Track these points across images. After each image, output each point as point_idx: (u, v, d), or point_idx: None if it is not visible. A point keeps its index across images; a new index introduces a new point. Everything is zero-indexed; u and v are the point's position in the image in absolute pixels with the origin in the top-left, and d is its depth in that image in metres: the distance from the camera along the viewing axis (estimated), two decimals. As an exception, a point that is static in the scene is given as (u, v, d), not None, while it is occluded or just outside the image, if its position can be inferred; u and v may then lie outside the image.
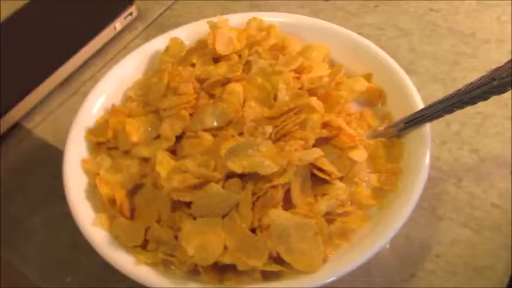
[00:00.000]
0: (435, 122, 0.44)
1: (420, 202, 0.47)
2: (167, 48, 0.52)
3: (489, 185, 0.48)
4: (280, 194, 0.38)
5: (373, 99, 0.48)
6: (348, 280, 0.42)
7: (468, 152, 0.50)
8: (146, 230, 0.41)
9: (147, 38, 0.57)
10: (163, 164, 0.41)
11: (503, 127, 0.52)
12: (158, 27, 0.66)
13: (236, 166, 0.39)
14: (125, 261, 0.39)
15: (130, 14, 0.65)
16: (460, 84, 0.42)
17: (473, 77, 0.41)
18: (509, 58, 0.39)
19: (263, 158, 0.39)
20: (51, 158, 0.49)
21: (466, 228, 0.46)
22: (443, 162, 0.50)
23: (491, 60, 0.57)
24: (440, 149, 0.51)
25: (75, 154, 0.46)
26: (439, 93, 0.54)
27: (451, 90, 0.43)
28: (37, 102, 0.59)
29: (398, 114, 0.46)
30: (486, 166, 0.49)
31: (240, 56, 0.49)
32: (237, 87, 0.45)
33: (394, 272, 0.44)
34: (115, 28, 0.64)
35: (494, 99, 0.53)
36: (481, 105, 0.53)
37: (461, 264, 0.44)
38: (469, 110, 0.53)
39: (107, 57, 0.64)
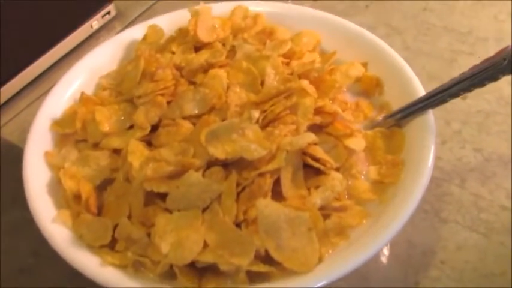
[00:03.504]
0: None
1: (422, 205, 0.43)
2: (145, 36, 0.48)
3: (495, 185, 0.45)
4: (268, 183, 0.34)
5: (370, 88, 0.44)
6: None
7: (471, 151, 0.47)
8: (115, 228, 0.36)
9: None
10: (136, 153, 0.37)
11: (507, 125, 0.49)
12: (137, 27, 0.63)
13: (218, 151, 0.34)
14: (89, 262, 0.34)
15: (108, 13, 0.63)
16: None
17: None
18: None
19: (249, 142, 0.34)
20: (17, 160, 0.44)
21: (473, 232, 0.42)
22: (445, 162, 0.47)
23: (490, 57, 0.54)
24: (441, 149, 0.47)
25: (39, 146, 0.41)
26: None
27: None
28: (3, 102, 0.55)
29: (397, 104, 0.42)
30: (491, 166, 0.46)
31: (223, 45, 0.45)
32: (220, 72, 0.40)
33: (396, 280, 0.40)
34: (91, 27, 0.62)
35: (495, 98, 0.51)
36: (481, 104, 0.51)
37: (469, 270, 0.40)
38: (470, 108, 0.51)
39: (82, 56, 0.60)
